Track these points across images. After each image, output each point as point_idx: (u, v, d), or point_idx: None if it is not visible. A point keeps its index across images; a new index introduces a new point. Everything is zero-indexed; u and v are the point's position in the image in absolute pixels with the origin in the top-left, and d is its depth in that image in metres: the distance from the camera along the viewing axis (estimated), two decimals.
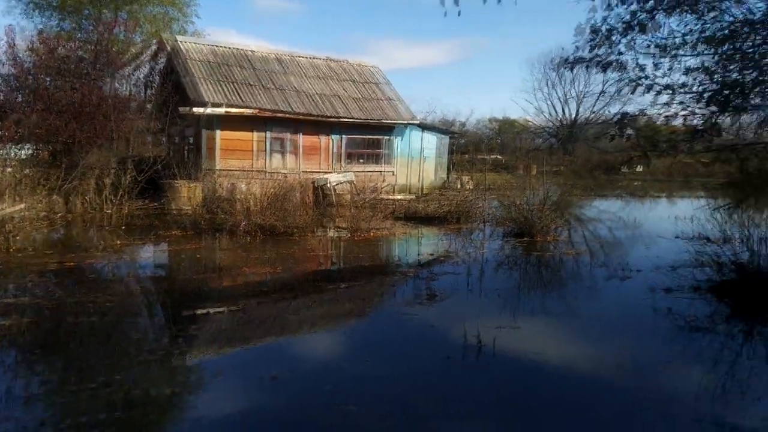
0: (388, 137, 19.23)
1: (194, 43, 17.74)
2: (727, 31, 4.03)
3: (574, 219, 15.40)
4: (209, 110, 15.01)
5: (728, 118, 4.58)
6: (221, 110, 15.26)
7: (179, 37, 18.03)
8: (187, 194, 13.73)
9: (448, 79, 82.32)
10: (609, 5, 4.54)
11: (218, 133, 15.55)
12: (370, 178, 17.86)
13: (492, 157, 35.36)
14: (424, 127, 21.07)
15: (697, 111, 4.86)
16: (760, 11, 3.94)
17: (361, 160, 18.73)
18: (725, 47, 4.11)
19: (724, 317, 6.95)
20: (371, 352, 5.53)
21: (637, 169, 32.62)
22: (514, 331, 5.99)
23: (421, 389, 4.64)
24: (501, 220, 13.03)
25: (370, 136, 18.77)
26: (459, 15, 4.50)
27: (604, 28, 4.59)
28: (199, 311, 6.54)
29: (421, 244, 12.08)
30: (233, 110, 15.46)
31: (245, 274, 8.31)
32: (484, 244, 11.14)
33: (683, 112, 4.63)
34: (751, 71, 4.14)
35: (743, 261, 7.43)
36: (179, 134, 17.78)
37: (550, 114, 44.40)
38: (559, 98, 43.96)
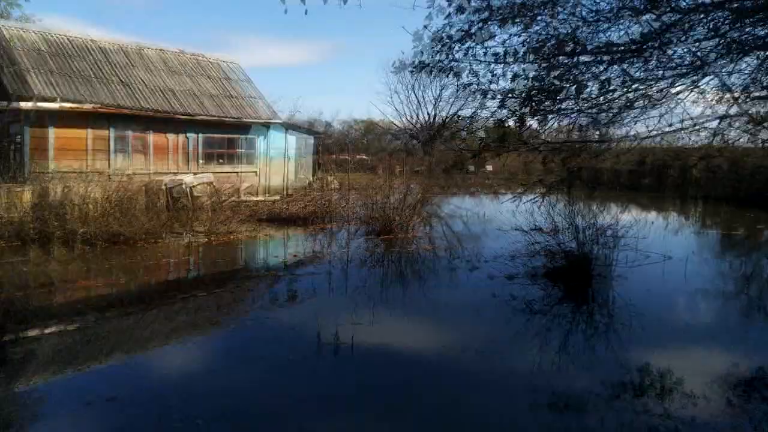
0: (249, 137, 18.61)
1: (20, 29, 15.53)
2: (543, 44, 4.57)
3: (431, 216, 16.24)
4: (38, 105, 13.27)
5: (546, 121, 5.18)
6: (54, 105, 13.59)
7: (0, 22, 15.69)
8: (11, 200, 11.97)
9: (317, 79, 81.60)
10: (447, 15, 4.83)
11: (51, 130, 13.80)
12: (229, 179, 17.14)
13: (358, 157, 35.91)
14: (288, 126, 20.76)
15: (524, 114, 5.38)
16: (566, 28, 4.54)
17: (221, 161, 17.87)
18: (541, 57, 4.64)
19: (556, 299, 7.81)
20: (228, 360, 5.30)
21: (488, 169, 35.43)
22: (373, 327, 6.13)
23: (280, 392, 4.55)
24: (364, 218, 13.29)
25: (229, 135, 17.98)
26: (306, 13, 4.45)
27: (444, 36, 4.89)
28: (24, 333, 5.74)
29: (284, 246, 11.88)
30: (68, 105, 13.84)
31: (83, 288, 7.48)
32: (347, 243, 11.27)
33: (509, 115, 5.13)
34: (566, 81, 4.73)
35: (571, 249, 8.40)
36: (2, 132, 15.47)
37: (406, 115, 46.27)
38: (418, 100, 46.00)
